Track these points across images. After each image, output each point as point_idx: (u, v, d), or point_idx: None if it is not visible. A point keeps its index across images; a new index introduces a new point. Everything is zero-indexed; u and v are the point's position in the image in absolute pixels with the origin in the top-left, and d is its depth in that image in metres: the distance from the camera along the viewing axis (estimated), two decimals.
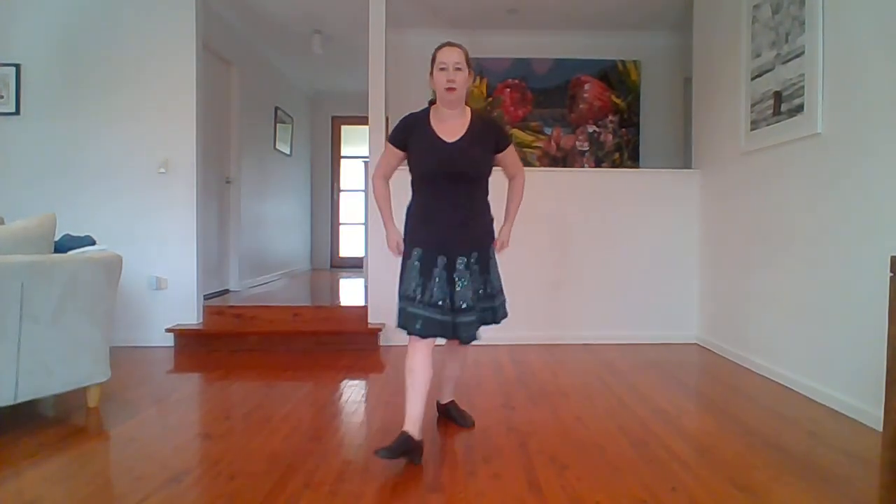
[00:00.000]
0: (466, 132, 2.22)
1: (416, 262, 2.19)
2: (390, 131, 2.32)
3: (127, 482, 1.94)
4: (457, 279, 2.18)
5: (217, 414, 2.69)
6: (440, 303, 2.14)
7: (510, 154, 2.37)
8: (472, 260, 2.23)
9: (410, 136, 2.25)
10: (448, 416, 2.56)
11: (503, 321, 2.36)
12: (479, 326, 2.25)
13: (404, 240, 2.30)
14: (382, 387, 3.13)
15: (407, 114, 2.29)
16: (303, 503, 1.79)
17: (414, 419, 2.12)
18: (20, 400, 2.40)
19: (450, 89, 2.15)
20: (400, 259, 2.31)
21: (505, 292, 2.40)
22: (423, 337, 2.14)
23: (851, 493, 1.88)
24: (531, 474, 2.00)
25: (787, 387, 3.10)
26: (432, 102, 2.29)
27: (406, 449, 2.06)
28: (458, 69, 2.16)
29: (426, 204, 2.25)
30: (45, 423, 2.54)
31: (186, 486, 1.90)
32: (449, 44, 2.21)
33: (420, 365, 2.15)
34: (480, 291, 2.27)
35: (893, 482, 1.89)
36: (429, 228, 2.22)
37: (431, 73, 2.21)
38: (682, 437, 2.37)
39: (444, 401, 2.59)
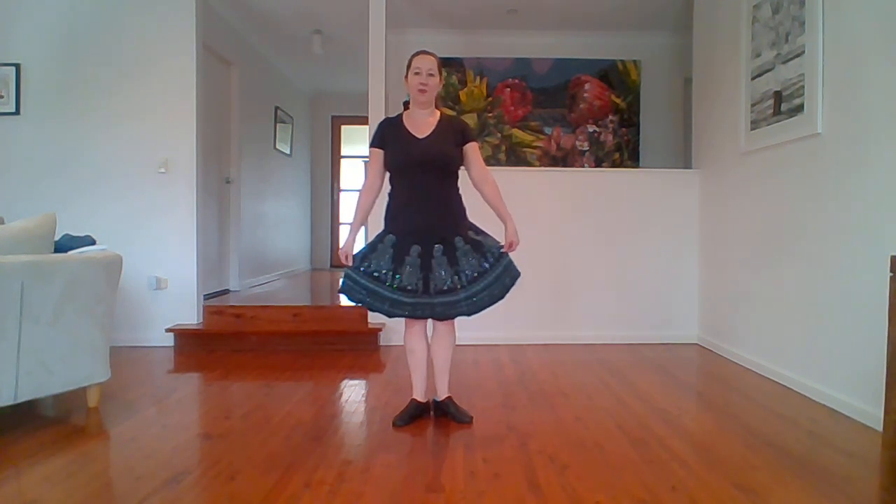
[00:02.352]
0: (435, 128, 2.47)
1: (390, 248, 2.40)
2: (370, 139, 2.56)
3: (127, 482, 1.94)
4: (435, 265, 2.36)
5: (217, 414, 2.69)
6: (409, 287, 2.35)
7: (475, 151, 2.52)
8: (456, 244, 2.40)
9: (387, 135, 2.49)
10: (446, 413, 2.57)
11: (515, 284, 2.47)
12: (468, 307, 2.37)
13: (383, 228, 2.48)
14: (382, 387, 3.13)
15: (382, 119, 2.58)
16: (303, 503, 1.79)
17: (419, 388, 2.58)
18: (20, 400, 2.40)
19: (422, 91, 2.42)
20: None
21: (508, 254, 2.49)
22: (390, 317, 2.40)
23: (851, 493, 1.88)
24: (531, 474, 2.00)
25: (787, 387, 3.10)
26: (406, 104, 2.56)
27: (416, 413, 2.55)
28: (431, 75, 2.43)
29: (402, 196, 2.45)
30: (45, 423, 2.54)
31: (186, 486, 1.90)
32: (424, 52, 2.48)
33: (418, 344, 2.55)
34: (479, 269, 2.39)
35: (893, 482, 1.90)
36: (404, 218, 2.42)
37: (406, 77, 2.47)
38: (682, 437, 2.37)
39: (441, 397, 2.60)
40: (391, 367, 3.57)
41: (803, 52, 2.96)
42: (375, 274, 2.38)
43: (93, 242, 2.82)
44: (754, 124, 3.46)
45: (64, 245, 2.73)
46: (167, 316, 4.19)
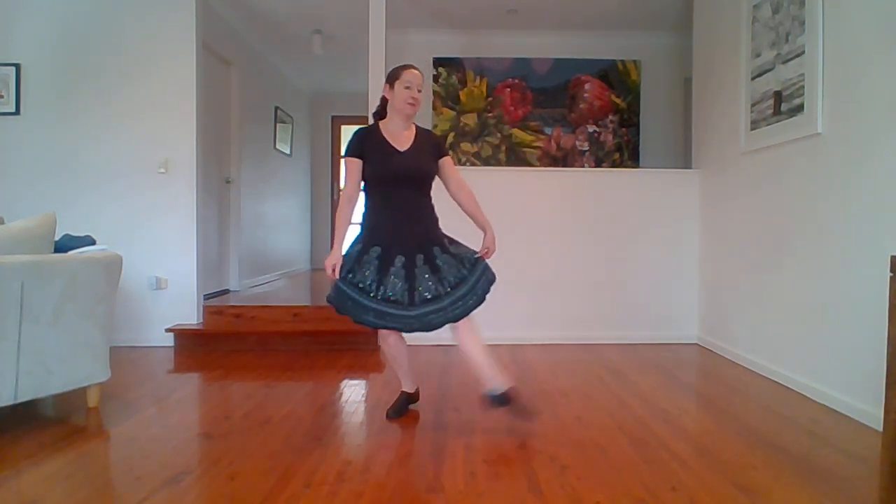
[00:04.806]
0: (414, 142, 2.50)
1: (375, 260, 2.39)
2: (346, 148, 2.51)
3: (127, 482, 1.94)
4: (418, 274, 2.37)
5: (217, 414, 2.69)
6: (394, 298, 2.35)
7: (450, 164, 2.58)
8: (435, 253, 2.41)
9: (365, 146, 2.47)
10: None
11: (492, 287, 2.45)
12: (455, 312, 2.35)
13: (362, 238, 2.45)
14: (382, 387, 3.13)
15: (358, 128, 2.53)
16: (303, 503, 1.79)
17: (406, 382, 2.73)
18: (20, 400, 2.40)
19: (412, 104, 2.44)
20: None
21: (485, 260, 2.50)
22: (376, 328, 2.44)
23: (851, 493, 1.88)
24: (531, 474, 2.00)
25: (787, 387, 3.10)
26: (379, 116, 2.55)
27: (407, 403, 2.71)
28: (420, 90, 2.47)
29: (381, 207, 2.46)
30: (45, 423, 2.54)
31: (186, 486, 1.90)
32: (412, 66, 2.49)
33: (396, 350, 2.63)
34: (458, 275, 2.39)
35: (893, 482, 1.89)
36: (387, 229, 2.42)
37: (392, 87, 2.45)
38: (682, 437, 2.37)
39: (498, 392, 2.54)
40: (391, 368, 3.56)
41: (803, 52, 2.96)
42: (360, 285, 2.37)
43: (93, 242, 2.82)
44: (754, 124, 3.46)
45: (64, 245, 2.73)
46: (167, 316, 4.19)
